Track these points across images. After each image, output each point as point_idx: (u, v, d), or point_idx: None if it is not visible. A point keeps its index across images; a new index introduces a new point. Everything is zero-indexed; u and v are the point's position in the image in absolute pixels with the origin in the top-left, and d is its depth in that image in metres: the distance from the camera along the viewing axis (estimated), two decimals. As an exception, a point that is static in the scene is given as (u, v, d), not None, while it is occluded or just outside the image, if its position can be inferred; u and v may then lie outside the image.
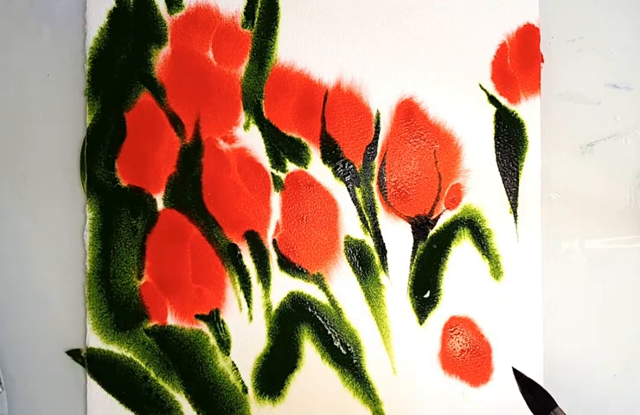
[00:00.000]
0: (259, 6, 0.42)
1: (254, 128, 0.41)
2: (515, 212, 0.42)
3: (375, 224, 0.41)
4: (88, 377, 0.41)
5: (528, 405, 0.34)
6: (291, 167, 0.41)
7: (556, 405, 0.34)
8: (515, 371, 0.36)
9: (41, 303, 0.41)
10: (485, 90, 0.42)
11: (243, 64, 0.41)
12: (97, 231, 0.41)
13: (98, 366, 0.41)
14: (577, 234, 0.42)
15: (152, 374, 0.41)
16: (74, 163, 0.41)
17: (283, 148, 0.41)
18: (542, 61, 0.42)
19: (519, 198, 0.42)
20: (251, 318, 0.41)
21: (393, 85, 0.42)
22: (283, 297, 0.41)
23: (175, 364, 0.41)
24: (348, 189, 0.41)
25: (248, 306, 0.41)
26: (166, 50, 0.41)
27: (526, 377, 0.36)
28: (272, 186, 0.41)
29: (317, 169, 0.41)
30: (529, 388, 0.35)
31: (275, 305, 0.41)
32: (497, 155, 0.42)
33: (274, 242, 0.41)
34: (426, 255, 0.42)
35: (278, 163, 0.41)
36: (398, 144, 0.42)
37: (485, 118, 0.42)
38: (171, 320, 0.41)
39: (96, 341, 0.41)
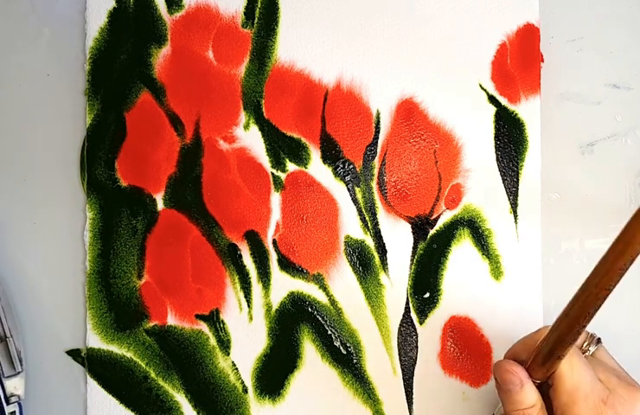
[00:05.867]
0: (259, 6, 0.42)
1: (254, 128, 0.41)
2: (515, 212, 0.42)
3: (375, 224, 0.41)
4: (88, 377, 0.41)
5: None
6: (291, 167, 0.41)
7: None
8: None
9: (41, 303, 0.41)
10: (485, 90, 0.42)
11: (243, 64, 0.41)
12: (97, 231, 0.41)
13: (98, 366, 0.41)
14: (577, 234, 0.42)
15: (152, 374, 0.41)
16: (74, 163, 0.41)
17: (283, 148, 0.41)
18: (542, 61, 0.42)
19: (519, 198, 0.42)
20: (251, 318, 0.41)
21: (393, 85, 0.42)
22: (283, 297, 0.41)
23: (175, 364, 0.41)
24: (348, 189, 0.41)
25: (248, 306, 0.41)
26: (166, 50, 0.41)
27: None
28: (272, 186, 0.41)
29: (317, 169, 0.41)
30: None
31: (275, 305, 0.41)
32: (497, 155, 0.42)
33: (274, 242, 0.41)
34: (426, 255, 0.42)
35: (278, 163, 0.41)
36: (398, 144, 0.42)
37: (485, 118, 0.42)
38: (171, 320, 0.41)
39: (96, 341, 0.41)
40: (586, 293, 0.30)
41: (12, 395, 0.39)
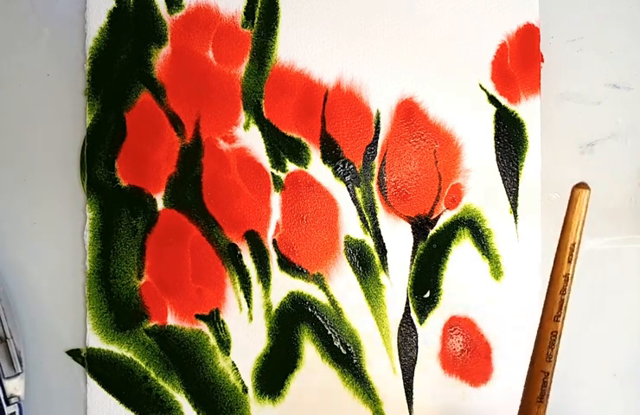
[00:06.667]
0: (259, 6, 0.42)
1: (254, 128, 0.41)
2: (515, 212, 0.42)
3: (375, 224, 0.41)
4: (88, 377, 0.41)
5: None
6: (291, 167, 0.41)
7: None
8: None
9: (41, 303, 0.41)
10: (485, 90, 0.42)
11: (243, 64, 0.41)
12: (97, 231, 0.41)
13: (98, 366, 0.41)
14: (577, 234, 0.42)
15: (152, 374, 0.41)
16: (74, 163, 0.41)
17: (283, 148, 0.41)
18: (542, 61, 0.42)
19: (519, 198, 0.42)
20: (251, 318, 0.41)
21: (393, 85, 0.42)
22: (283, 297, 0.41)
23: (175, 364, 0.41)
24: (348, 189, 0.41)
25: (248, 306, 0.41)
26: (166, 50, 0.41)
27: None
28: (272, 186, 0.41)
29: (317, 169, 0.41)
30: None
31: (275, 305, 0.41)
32: (497, 155, 0.42)
33: (274, 242, 0.41)
34: (426, 255, 0.42)
35: (278, 163, 0.41)
36: (398, 144, 0.42)
37: (485, 118, 0.42)
38: (171, 320, 0.41)
39: (96, 341, 0.41)
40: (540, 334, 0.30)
41: (12, 396, 0.39)
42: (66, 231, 0.41)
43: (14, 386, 0.39)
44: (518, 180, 0.42)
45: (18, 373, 0.39)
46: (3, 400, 0.38)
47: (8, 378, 0.39)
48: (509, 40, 0.42)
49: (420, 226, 0.42)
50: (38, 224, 0.41)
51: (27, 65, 0.41)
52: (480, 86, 0.42)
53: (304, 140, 0.41)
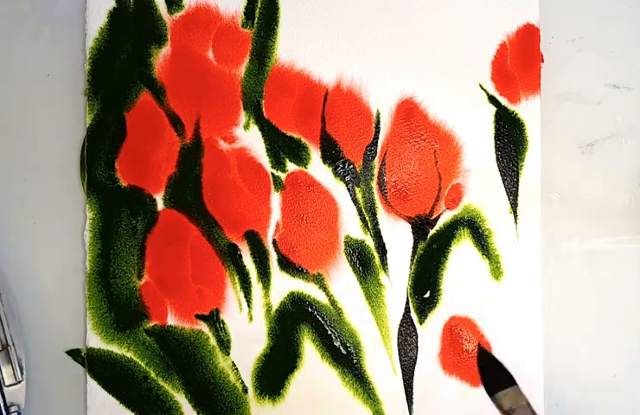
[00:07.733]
0: (259, 6, 0.42)
1: (254, 128, 0.41)
2: (515, 212, 0.42)
3: (375, 224, 0.41)
4: (88, 377, 0.41)
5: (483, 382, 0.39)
6: (291, 167, 0.41)
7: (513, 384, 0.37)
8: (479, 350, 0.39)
9: (41, 303, 0.41)
10: (485, 90, 0.42)
11: (243, 64, 0.41)
12: (97, 231, 0.41)
13: (98, 366, 0.41)
14: (577, 234, 0.42)
15: (152, 374, 0.41)
16: (74, 163, 0.41)
17: (283, 148, 0.41)
18: (542, 61, 0.42)
19: (519, 198, 0.42)
20: (251, 318, 0.41)
21: (393, 85, 0.42)
22: (283, 297, 0.41)
23: (175, 364, 0.41)
24: (348, 189, 0.41)
25: (248, 306, 0.41)
26: (166, 50, 0.41)
27: (490, 356, 0.39)
28: (272, 186, 0.41)
29: (317, 169, 0.41)
30: (492, 366, 0.39)
31: (275, 305, 0.41)
32: (497, 155, 0.42)
33: (274, 242, 0.41)
34: (426, 255, 0.42)
35: (278, 163, 0.41)
36: (398, 144, 0.42)
37: (485, 118, 0.42)
38: (171, 320, 0.41)
39: (96, 341, 0.41)
40: None
41: (12, 404, 0.39)
42: (66, 231, 0.41)
43: (14, 395, 0.39)
44: (518, 180, 0.42)
45: (19, 382, 0.39)
46: (3, 409, 0.38)
47: (8, 386, 0.39)
48: (509, 40, 0.42)
49: (420, 226, 0.42)
50: (38, 224, 0.41)
51: (27, 65, 0.41)
52: (480, 86, 0.42)
53: (304, 140, 0.41)
